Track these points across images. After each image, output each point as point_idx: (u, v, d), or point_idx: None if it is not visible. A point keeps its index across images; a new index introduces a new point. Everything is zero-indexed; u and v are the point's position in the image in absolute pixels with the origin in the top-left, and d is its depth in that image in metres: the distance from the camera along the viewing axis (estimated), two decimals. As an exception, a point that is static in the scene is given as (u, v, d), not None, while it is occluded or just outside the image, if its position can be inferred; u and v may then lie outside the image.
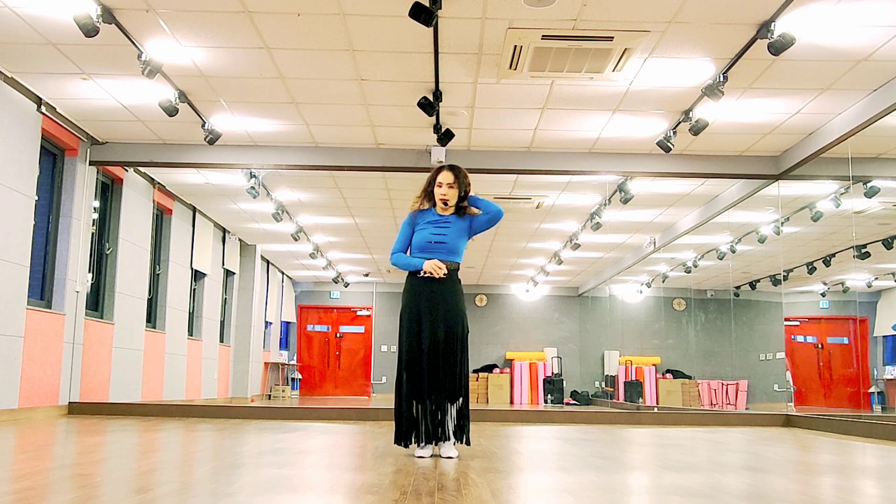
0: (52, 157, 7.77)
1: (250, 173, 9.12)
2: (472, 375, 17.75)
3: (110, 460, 3.85)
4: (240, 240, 13.68)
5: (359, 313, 19.15)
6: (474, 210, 4.44)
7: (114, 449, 4.46)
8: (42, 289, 7.59)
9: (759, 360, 15.66)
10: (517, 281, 18.24)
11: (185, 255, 11.12)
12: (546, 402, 16.92)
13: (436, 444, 4.23)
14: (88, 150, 8.13)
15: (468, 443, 4.31)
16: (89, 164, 8.14)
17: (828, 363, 15.74)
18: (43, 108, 7.10)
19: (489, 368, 18.24)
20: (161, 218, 10.47)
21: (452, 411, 4.27)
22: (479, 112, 7.31)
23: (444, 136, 7.49)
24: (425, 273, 4.29)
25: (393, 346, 17.83)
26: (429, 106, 6.62)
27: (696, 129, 7.08)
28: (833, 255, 12.25)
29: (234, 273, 13.69)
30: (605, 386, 17.66)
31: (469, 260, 15.29)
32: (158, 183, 9.87)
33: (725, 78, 6.09)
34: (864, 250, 10.82)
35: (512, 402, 17.60)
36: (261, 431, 6.04)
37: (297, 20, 5.46)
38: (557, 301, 18.97)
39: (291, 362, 18.27)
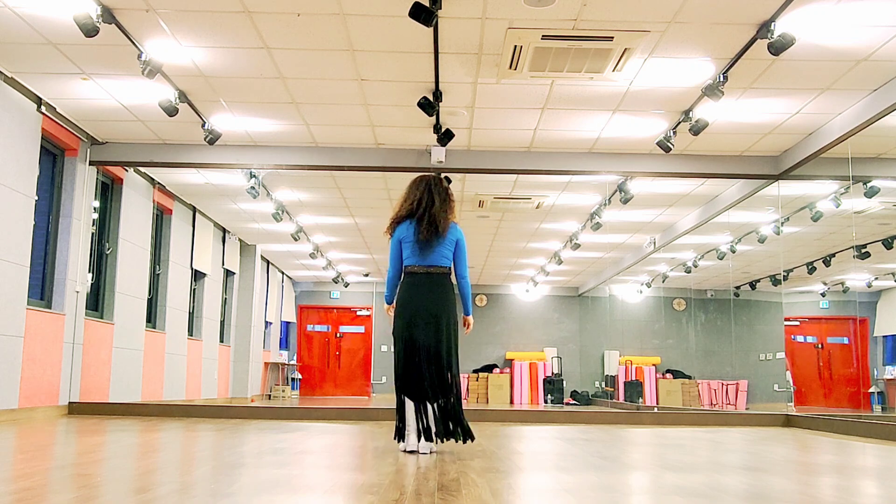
0: (52, 157, 7.78)
1: (250, 173, 9.13)
2: (472, 375, 17.77)
3: (110, 460, 3.85)
4: (240, 240, 13.68)
5: (359, 313, 19.15)
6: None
7: (114, 449, 4.46)
8: (42, 289, 7.59)
9: (759, 360, 15.66)
10: (517, 281, 18.23)
11: (185, 255, 11.12)
12: (546, 402, 16.92)
13: (429, 441, 4.36)
14: (88, 150, 8.13)
15: (464, 440, 4.41)
16: (89, 164, 8.14)
17: (828, 363, 15.74)
18: (43, 108, 7.10)
19: (489, 368, 18.23)
20: (161, 218, 10.47)
21: (443, 409, 4.40)
22: (479, 112, 7.31)
23: (444, 136, 7.49)
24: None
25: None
26: (429, 106, 6.62)
27: (696, 129, 7.08)
28: (833, 255, 12.25)
29: (234, 273, 13.69)
30: (605, 386, 17.65)
31: (469, 260, 15.24)
32: (158, 183, 9.87)
33: (725, 78, 6.09)
34: (864, 250, 10.81)
35: (512, 402, 17.60)
36: (261, 431, 6.04)
37: (297, 20, 5.46)
38: (557, 301, 18.98)
39: (291, 362, 18.28)
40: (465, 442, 4.44)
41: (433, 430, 4.35)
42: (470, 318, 4.79)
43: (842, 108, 6.99)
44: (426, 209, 4.52)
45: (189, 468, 3.64)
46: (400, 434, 4.45)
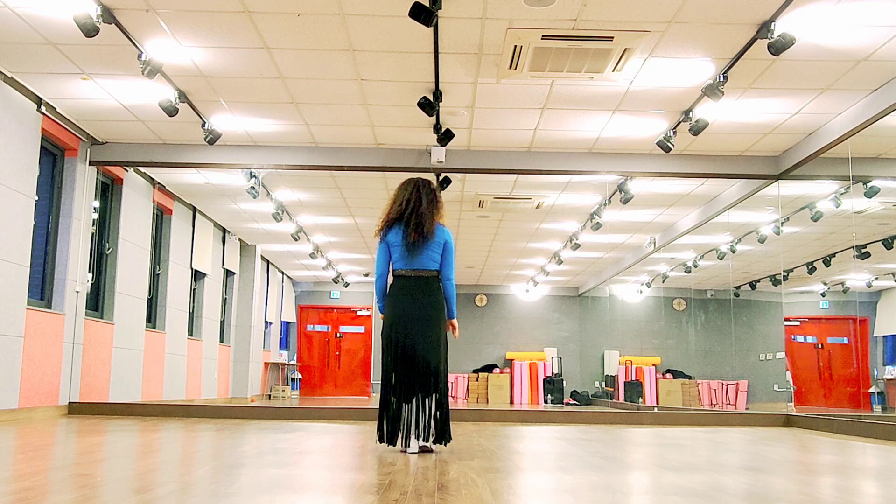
0: (52, 157, 7.78)
1: (250, 173, 9.12)
2: (472, 375, 17.77)
3: (110, 460, 3.85)
4: (240, 240, 13.68)
5: (359, 313, 19.15)
6: None
7: (114, 449, 4.46)
8: (42, 289, 7.59)
9: (759, 360, 15.64)
10: (517, 281, 18.23)
11: (185, 255, 11.12)
12: (546, 402, 16.92)
13: (418, 440, 4.39)
14: (88, 150, 8.13)
15: (447, 442, 4.46)
16: (89, 164, 8.14)
17: (828, 363, 15.73)
18: (43, 108, 7.10)
19: (489, 368, 18.23)
20: (161, 218, 10.47)
21: (430, 409, 4.45)
22: (479, 112, 7.31)
23: (444, 136, 7.49)
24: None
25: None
26: (429, 106, 6.62)
27: (696, 129, 7.08)
28: (833, 255, 12.24)
29: (234, 273, 13.69)
30: (605, 386, 17.66)
31: (469, 260, 15.28)
32: (158, 183, 9.87)
33: (725, 78, 6.09)
34: (864, 250, 10.81)
35: (512, 402, 17.60)
36: (261, 431, 6.04)
37: (297, 20, 5.46)
38: (557, 301, 18.97)
39: (291, 362, 18.27)
40: (443, 444, 4.48)
41: (421, 431, 4.37)
42: (455, 321, 4.76)
43: (842, 108, 6.99)
44: (413, 210, 4.58)
45: (189, 468, 3.64)
46: (385, 435, 4.43)
